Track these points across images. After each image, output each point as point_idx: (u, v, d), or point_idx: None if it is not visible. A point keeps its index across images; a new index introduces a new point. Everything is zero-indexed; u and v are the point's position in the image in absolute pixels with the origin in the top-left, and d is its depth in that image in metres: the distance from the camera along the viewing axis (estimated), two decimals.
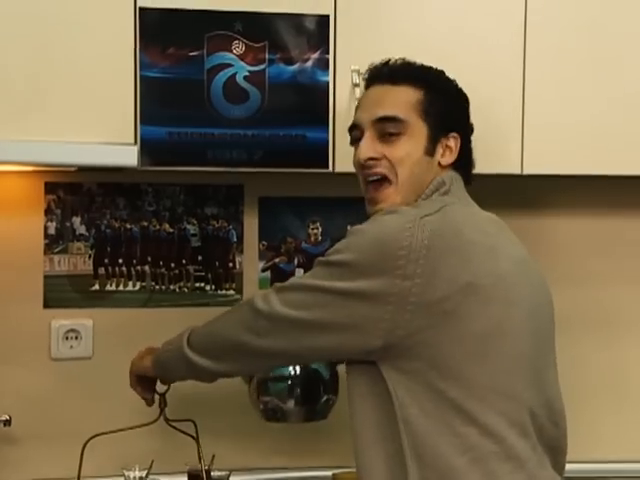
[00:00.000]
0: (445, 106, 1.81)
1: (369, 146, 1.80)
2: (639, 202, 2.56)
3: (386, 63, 1.88)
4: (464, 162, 1.84)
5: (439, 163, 1.81)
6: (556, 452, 1.78)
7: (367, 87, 1.90)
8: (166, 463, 2.21)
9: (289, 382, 2.09)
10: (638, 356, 2.58)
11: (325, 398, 2.12)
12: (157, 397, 2.07)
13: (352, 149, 1.91)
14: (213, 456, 2.13)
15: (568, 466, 1.83)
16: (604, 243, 2.58)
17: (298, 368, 2.09)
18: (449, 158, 1.81)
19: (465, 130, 1.86)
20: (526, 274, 1.75)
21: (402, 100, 1.80)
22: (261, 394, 2.11)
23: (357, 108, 1.89)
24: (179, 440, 2.09)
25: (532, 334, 1.72)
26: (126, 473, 2.16)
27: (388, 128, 1.79)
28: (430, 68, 1.86)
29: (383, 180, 1.80)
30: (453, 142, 1.81)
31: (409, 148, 1.78)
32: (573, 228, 2.57)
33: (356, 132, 1.85)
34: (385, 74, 1.85)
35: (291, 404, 2.10)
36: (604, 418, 2.52)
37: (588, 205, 2.56)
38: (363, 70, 2.00)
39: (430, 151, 1.79)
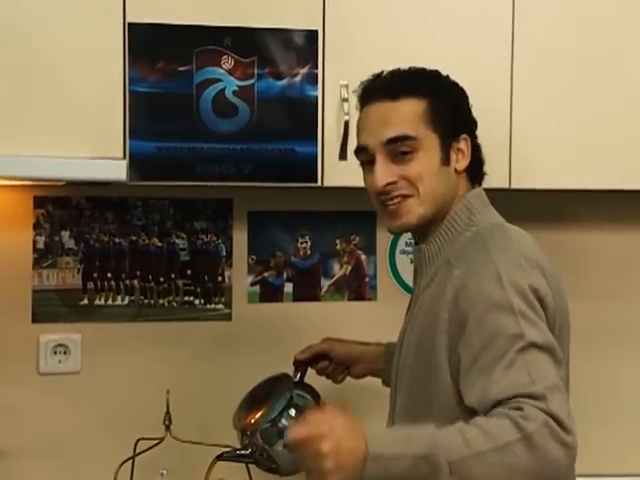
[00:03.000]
0: (451, 109, 1.73)
1: (384, 171, 1.69)
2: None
3: (378, 76, 1.77)
4: (476, 163, 1.77)
5: (455, 169, 1.73)
6: None
7: (363, 105, 1.78)
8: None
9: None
10: None
11: None
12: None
13: (341, 164, 1.92)
14: None
15: None
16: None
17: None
18: (463, 162, 1.73)
19: (472, 128, 1.77)
20: (564, 293, 1.70)
21: (408, 115, 1.70)
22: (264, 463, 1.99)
23: (359, 129, 1.77)
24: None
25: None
26: None
27: (400, 148, 1.69)
28: (425, 72, 1.76)
29: (403, 198, 1.71)
30: (464, 144, 1.73)
31: (426, 163, 1.69)
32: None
33: (364, 155, 1.75)
34: (382, 90, 1.73)
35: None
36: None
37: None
38: (352, 85, 2.00)
39: (445, 160, 1.71)
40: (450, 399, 1.58)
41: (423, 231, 1.75)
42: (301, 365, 2.05)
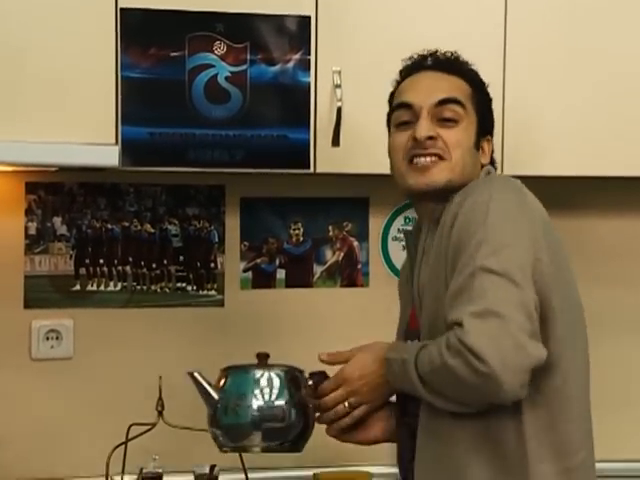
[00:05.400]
0: (486, 107, 1.82)
1: (428, 126, 1.73)
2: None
3: (431, 54, 1.83)
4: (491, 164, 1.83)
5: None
6: None
7: (412, 74, 1.81)
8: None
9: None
10: None
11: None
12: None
13: (333, 150, 1.91)
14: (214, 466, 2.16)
15: None
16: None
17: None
18: (484, 159, 1.79)
19: (493, 133, 1.85)
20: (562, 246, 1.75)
21: (460, 87, 1.78)
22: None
23: (405, 90, 1.79)
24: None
25: None
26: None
27: (447, 112, 1.74)
28: (471, 65, 1.84)
29: (437, 158, 1.74)
30: (488, 145, 1.80)
31: (464, 136, 1.75)
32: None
33: (405, 113, 1.76)
34: (437, 62, 1.81)
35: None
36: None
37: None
38: (344, 71, 2.00)
39: (477, 145, 1.77)
40: None
41: (437, 199, 1.74)
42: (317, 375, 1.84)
